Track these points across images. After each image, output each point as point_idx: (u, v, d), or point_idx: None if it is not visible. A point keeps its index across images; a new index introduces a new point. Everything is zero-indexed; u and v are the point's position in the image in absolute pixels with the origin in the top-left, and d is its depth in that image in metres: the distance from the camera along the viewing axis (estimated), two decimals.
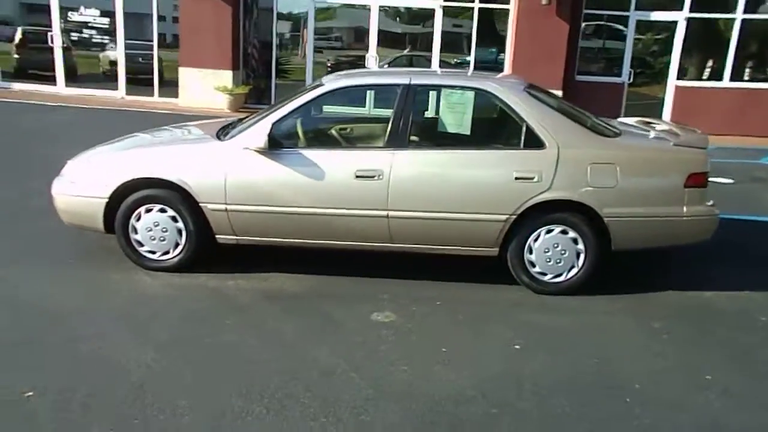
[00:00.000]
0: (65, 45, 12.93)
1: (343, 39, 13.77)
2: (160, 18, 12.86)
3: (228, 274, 4.34)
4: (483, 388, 3.05)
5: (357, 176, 4.11)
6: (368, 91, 4.63)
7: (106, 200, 4.23)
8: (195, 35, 12.27)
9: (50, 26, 12.84)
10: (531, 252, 4.20)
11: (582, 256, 4.19)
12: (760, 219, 6.33)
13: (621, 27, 12.70)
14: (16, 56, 13.35)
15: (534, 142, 4.12)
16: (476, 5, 12.42)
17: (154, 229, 4.27)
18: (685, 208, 4.14)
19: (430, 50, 12.62)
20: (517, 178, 4.06)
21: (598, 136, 4.21)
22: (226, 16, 12.19)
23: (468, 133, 4.32)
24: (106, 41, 13.06)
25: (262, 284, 4.24)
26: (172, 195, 4.22)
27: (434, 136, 4.39)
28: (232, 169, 4.17)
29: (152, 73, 13.00)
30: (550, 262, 4.20)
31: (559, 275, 4.23)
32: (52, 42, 12.82)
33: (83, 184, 4.30)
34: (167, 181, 4.19)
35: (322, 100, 4.34)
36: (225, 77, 12.35)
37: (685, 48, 12.52)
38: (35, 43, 13.10)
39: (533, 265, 4.22)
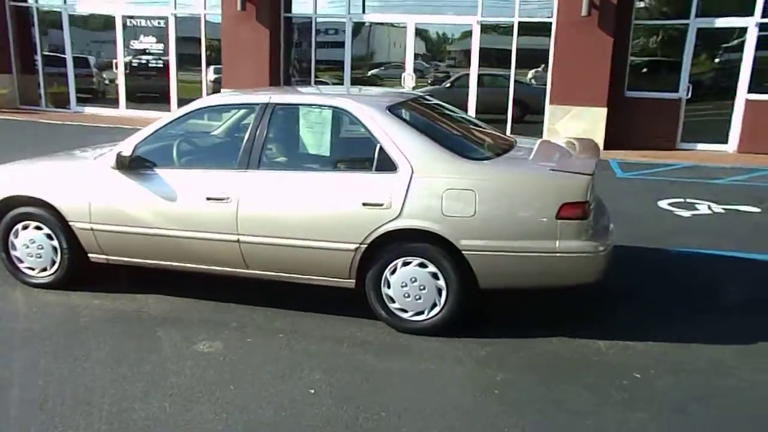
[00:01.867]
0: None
1: (383, 57, 13.66)
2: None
3: (101, 293, 4.33)
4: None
5: (207, 198, 3.96)
6: (236, 111, 4.46)
7: None
8: (235, 58, 12.71)
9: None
10: (389, 286, 3.82)
11: (444, 293, 3.75)
12: (757, 257, 5.40)
13: (678, 37, 11.58)
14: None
15: (386, 165, 3.76)
16: (515, 20, 11.85)
17: (31, 246, 4.36)
18: (557, 243, 3.58)
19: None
20: (364, 204, 3.71)
21: (460, 159, 3.75)
22: (264, 38, 12.51)
23: (327, 154, 4.04)
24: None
25: (125, 305, 4.18)
26: (46, 213, 4.28)
27: (292, 158, 4.15)
28: (97, 188, 4.17)
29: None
30: (408, 297, 3.80)
31: (420, 313, 3.81)
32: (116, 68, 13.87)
33: None
34: (40, 200, 4.27)
35: (188, 118, 4.24)
36: None
37: (757, 57, 11.15)
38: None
39: (392, 300, 3.84)
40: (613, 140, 11.22)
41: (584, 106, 11.31)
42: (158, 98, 13.83)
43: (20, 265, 4.43)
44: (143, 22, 13.71)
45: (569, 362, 3.53)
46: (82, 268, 4.39)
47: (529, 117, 12.22)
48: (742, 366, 3.48)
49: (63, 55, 14.28)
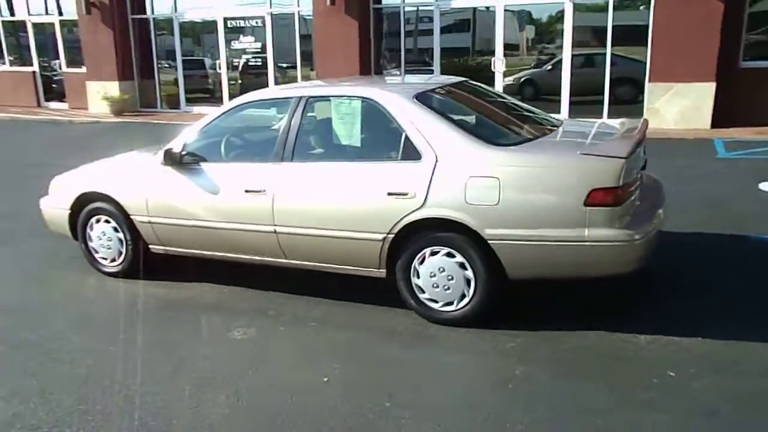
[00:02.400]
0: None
1: (473, 42, 13.36)
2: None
3: (163, 281, 4.64)
4: (214, 418, 2.90)
5: (246, 191, 4.12)
6: (274, 106, 4.56)
7: (69, 211, 4.84)
8: (326, 52, 13.01)
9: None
10: (418, 276, 3.78)
11: (472, 283, 3.66)
12: None
13: None
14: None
15: (412, 154, 3.71)
16: None
17: (102, 238, 4.76)
18: (587, 231, 3.36)
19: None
20: (390, 194, 3.70)
21: (486, 145, 3.61)
22: (353, 30, 12.68)
23: (358, 144, 4.05)
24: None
25: (179, 293, 4.47)
26: (112, 208, 4.66)
27: (324, 149, 4.19)
28: (152, 183, 4.47)
29: None
30: (437, 288, 3.74)
31: (450, 303, 3.74)
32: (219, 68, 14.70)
33: (56, 197, 4.97)
34: (106, 195, 4.65)
35: (231, 114, 4.42)
36: None
37: None
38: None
39: (422, 290, 3.80)
40: (723, 117, 10.28)
41: (688, 82, 10.43)
42: None
43: (96, 255, 4.86)
44: (242, 23, 14.39)
45: (600, 357, 3.32)
46: (146, 259, 4.72)
47: (629, 97, 11.45)
48: None
49: (192, 58, 15.34)
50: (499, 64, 12.19)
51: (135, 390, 3.17)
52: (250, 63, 14.51)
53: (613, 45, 11.27)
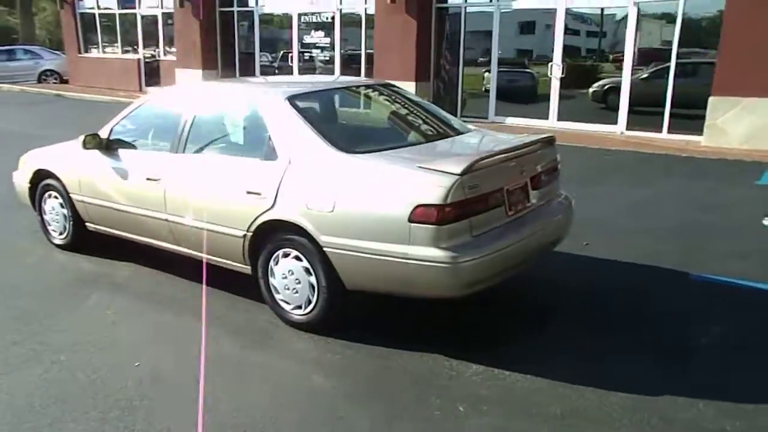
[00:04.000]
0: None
1: (533, 45, 12.82)
2: None
3: (101, 258, 4.93)
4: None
5: (147, 178, 4.32)
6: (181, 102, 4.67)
7: (28, 185, 5.31)
8: (382, 49, 13.09)
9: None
10: (274, 276, 3.79)
11: (316, 289, 3.61)
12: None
13: None
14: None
15: (271, 154, 3.73)
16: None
17: (52, 212, 5.18)
18: (409, 249, 3.21)
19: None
20: (248, 192, 3.73)
21: (335, 151, 3.54)
22: (411, 29, 12.64)
23: (240, 141, 4.11)
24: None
25: (100, 269, 4.75)
26: (59, 185, 5.05)
27: (212, 144, 4.25)
28: (83, 164, 4.80)
29: None
30: (288, 290, 3.73)
31: (299, 307, 3.72)
32: (291, 62, 15.23)
33: (21, 172, 5.46)
34: (52, 173, 5.05)
35: (149, 106, 4.63)
36: (408, 89, 12.79)
37: None
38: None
39: (277, 291, 3.80)
40: None
41: (761, 96, 9.38)
42: None
43: (48, 228, 5.30)
44: (314, 18, 14.80)
45: (412, 382, 3.15)
46: (83, 235, 5.06)
47: (690, 111, 10.45)
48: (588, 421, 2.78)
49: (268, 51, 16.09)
50: (556, 69, 11.63)
51: None
52: (319, 57, 14.90)
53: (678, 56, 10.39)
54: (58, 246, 5.22)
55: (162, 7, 17.71)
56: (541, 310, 4.07)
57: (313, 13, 14.76)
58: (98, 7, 19.49)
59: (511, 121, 12.25)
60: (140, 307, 4.10)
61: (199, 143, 4.23)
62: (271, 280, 3.81)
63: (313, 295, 3.64)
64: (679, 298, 4.15)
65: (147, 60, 18.68)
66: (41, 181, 5.21)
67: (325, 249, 3.46)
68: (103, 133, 4.66)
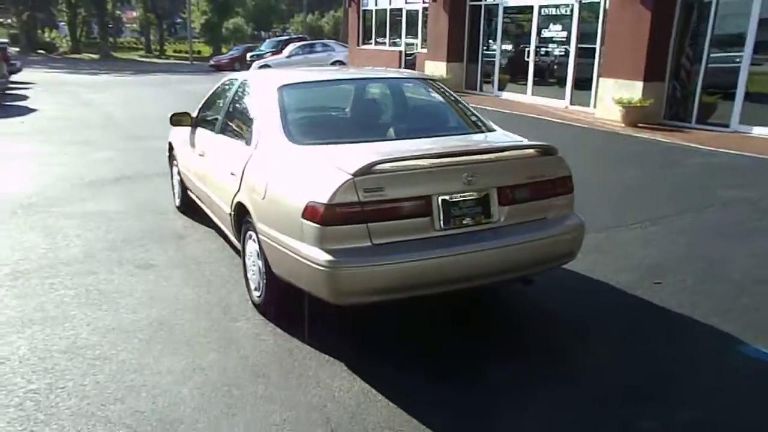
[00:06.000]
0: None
1: None
2: None
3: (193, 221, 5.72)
4: None
5: (199, 155, 4.84)
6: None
7: (167, 154, 6.32)
8: (615, 44, 11.81)
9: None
10: (246, 256, 3.93)
11: (262, 273, 3.66)
12: None
13: None
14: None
15: (249, 139, 3.86)
16: None
17: (173, 179, 6.09)
18: (300, 246, 3.05)
19: None
20: (231, 174, 3.94)
21: (285, 140, 3.50)
22: (645, 22, 11.14)
23: (243, 126, 4.27)
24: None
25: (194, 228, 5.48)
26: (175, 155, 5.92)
27: (230, 126, 4.42)
28: (180, 139, 5.55)
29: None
30: (250, 271, 3.85)
31: (258, 288, 3.80)
32: (527, 56, 14.73)
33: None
34: (170, 144, 5.95)
35: (216, 91, 5.08)
36: (635, 89, 11.41)
37: None
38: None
39: (246, 270, 3.95)
40: None
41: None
42: (555, 83, 14.17)
43: (173, 191, 6.22)
44: (554, 11, 14.02)
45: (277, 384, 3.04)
46: (189, 201, 5.82)
47: None
48: None
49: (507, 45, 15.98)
50: None
51: None
52: (554, 51, 14.13)
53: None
54: (177, 208, 6.09)
55: (423, 2, 18.65)
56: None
57: (553, 5, 14.01)
58: (375, 4, 21.39)
59: (759, 131, 10.07)
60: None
61: (227, 125, 4.54)
62: (245, 259, 3.97)
63: (263, 280, 3.70)
64: None
65: (407, 53, 19.92)
66: (171, 152, 6.16)
67: (258, 235, 3.50)
68: (194, 113, 5.31)
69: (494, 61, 16.14)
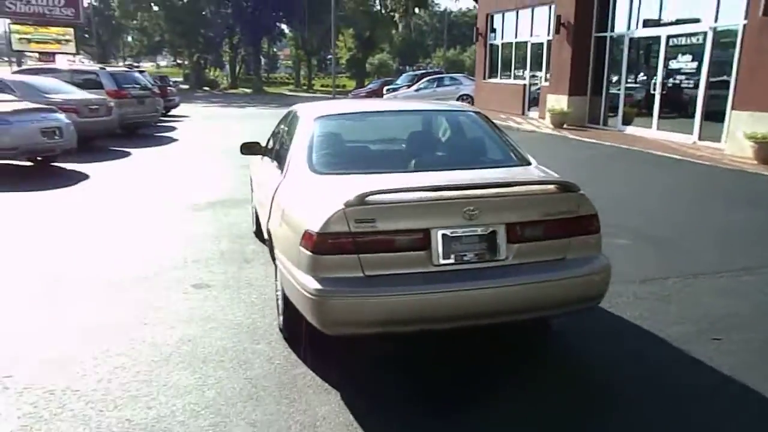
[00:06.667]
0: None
1: None
2: None
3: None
4: None
5: (257, 182, 5.10)
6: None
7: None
8: (751, 73, 10.75)
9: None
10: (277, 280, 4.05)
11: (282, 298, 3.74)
12: None
13: None
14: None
15: (284, 167, 3.97)
16: None
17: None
18: (297, 273, 3.10)
19: None
20: (268, 201, 4.09)
21: (306, 171, 3.61)
22: None
23: (284, 155, 4.39)
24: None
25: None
26: None
27: (279, 155, 4.57)
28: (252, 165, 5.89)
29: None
30: (278, 296, 3.93)
31: (282, 314, 3.87)
32: (654, 89, 13.83)
33: None
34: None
35: (282, 121, 5.28)
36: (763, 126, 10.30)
37: None
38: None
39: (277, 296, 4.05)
40: None
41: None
42: (683, 117, 13.15)
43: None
44: (683, 40, 13.07)
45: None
46: None
47: None
48: None
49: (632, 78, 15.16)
50: None
51: None
52: (682, 85, 13.15)
53: None
54: (254, 233, 6.40)
55: (549, 35, 18.25)
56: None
57: (683, 35, 13.09)
58: (501, 38, 21.28)
59: None
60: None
61: (276, 153, 4.68)
62: (276, 283, 4.09)
63: (282, 304, 3.79)
64: None
65: (532, 86, 19.53)
66: (251, 179, 6.52)
67: (277, 263, 3.61)
68: (263, 143, 5.59)
69: (619, 94, 15.34)
